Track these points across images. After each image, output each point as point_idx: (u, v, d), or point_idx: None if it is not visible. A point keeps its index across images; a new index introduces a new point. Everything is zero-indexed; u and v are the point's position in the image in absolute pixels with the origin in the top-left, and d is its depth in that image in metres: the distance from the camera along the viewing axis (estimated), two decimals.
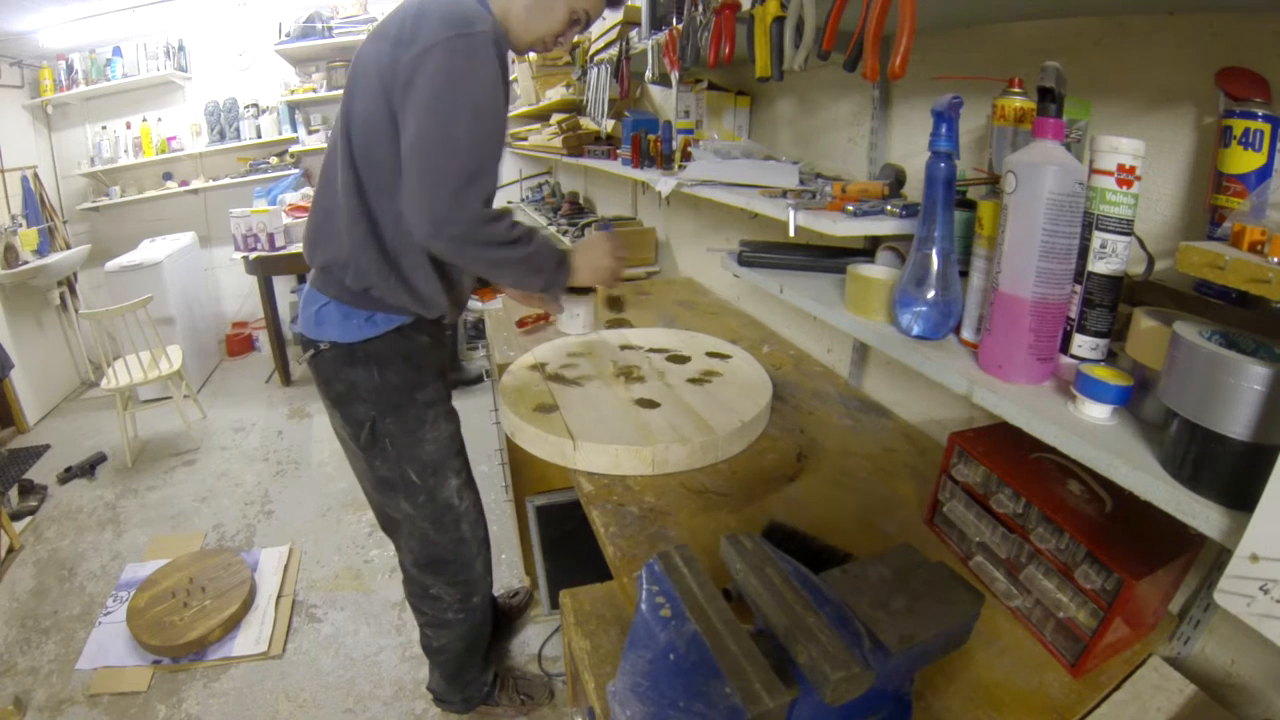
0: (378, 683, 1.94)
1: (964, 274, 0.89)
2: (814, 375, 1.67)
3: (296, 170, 4.82)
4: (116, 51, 4.37)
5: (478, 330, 4.23)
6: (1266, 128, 0.70)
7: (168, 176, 4.76)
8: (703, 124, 1.94)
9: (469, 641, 1.66)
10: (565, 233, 3.54)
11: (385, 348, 1.31)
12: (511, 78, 4.24)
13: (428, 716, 1.82)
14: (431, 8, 1.10)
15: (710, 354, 1.62)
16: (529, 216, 4.75)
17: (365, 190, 1.20)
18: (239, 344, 4.89)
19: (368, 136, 1.17)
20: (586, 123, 2.91)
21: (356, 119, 1.17)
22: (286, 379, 4.22)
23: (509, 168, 5.09)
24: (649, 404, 1.35)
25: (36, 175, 4.24)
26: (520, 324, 1.95)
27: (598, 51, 2.44)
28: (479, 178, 1.10)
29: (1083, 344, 0.76)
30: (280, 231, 3.96)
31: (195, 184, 4.70)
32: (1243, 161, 0.71)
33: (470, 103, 1.07)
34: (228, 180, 4.74)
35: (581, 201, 4.12)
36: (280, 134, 4.73)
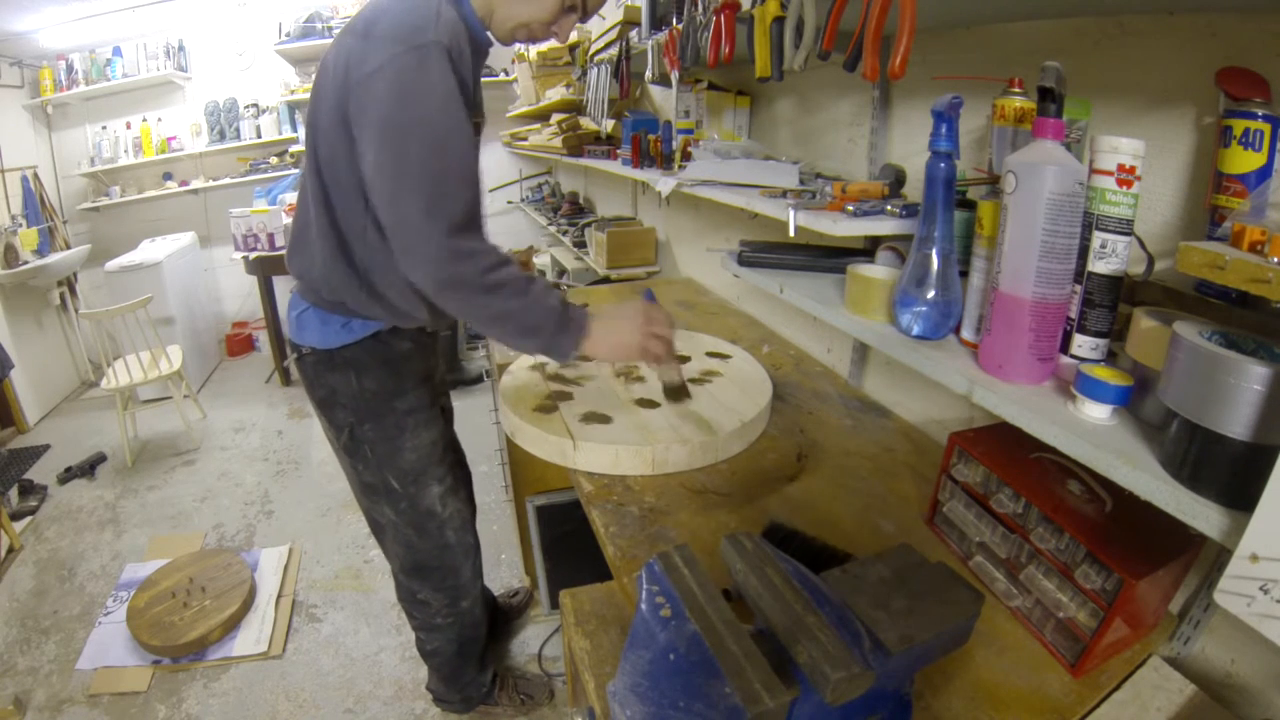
0: (378, 683, 1.94)
1: (964, 274, 0.89)
2: (814, 375, 1.67)
3: (296, 170, 4.81)
4: (116, 51, 4.37)
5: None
6: (1266, 128, 0.70)
7: (168, 176, 4.76)
8: (703, 124, 1.94)
9: (460, 645, 1.65)
10: (565, 233, 3.54)
11: (363, 354, 1.28)
12: (511, 78, 4.25)
13: (428, 716, 1.82)
14: (386, 10, 1.02)
15: (710, 354, 1.61)
16: (529, 217, 4.76)
17: (333, 205, 1.14)
18: (239, 344, 4.89)
19: (330, 148, 1.10)
20: (586, 123, 2.91)
21: (320, 129, 1.10)
22: (286, 379, 4.22)
23: (509, 167, 5.09)
24: (649, 404, 1.35)
25: (36, 175, 4.24)
26: None
27: (598, 51, 2.44)
28: (441, 202, 0.99)
29: (1083, 344, 0.76)
30: (280, 231, 3.96)
31: (195, 184, 4.69)
32: (1243, 161, 0.71)
33: (421, 122, 0.98)
34: (228, 180, 4.74)
35: (581, 201, 4.13)
36: (280, 134, 4.73)
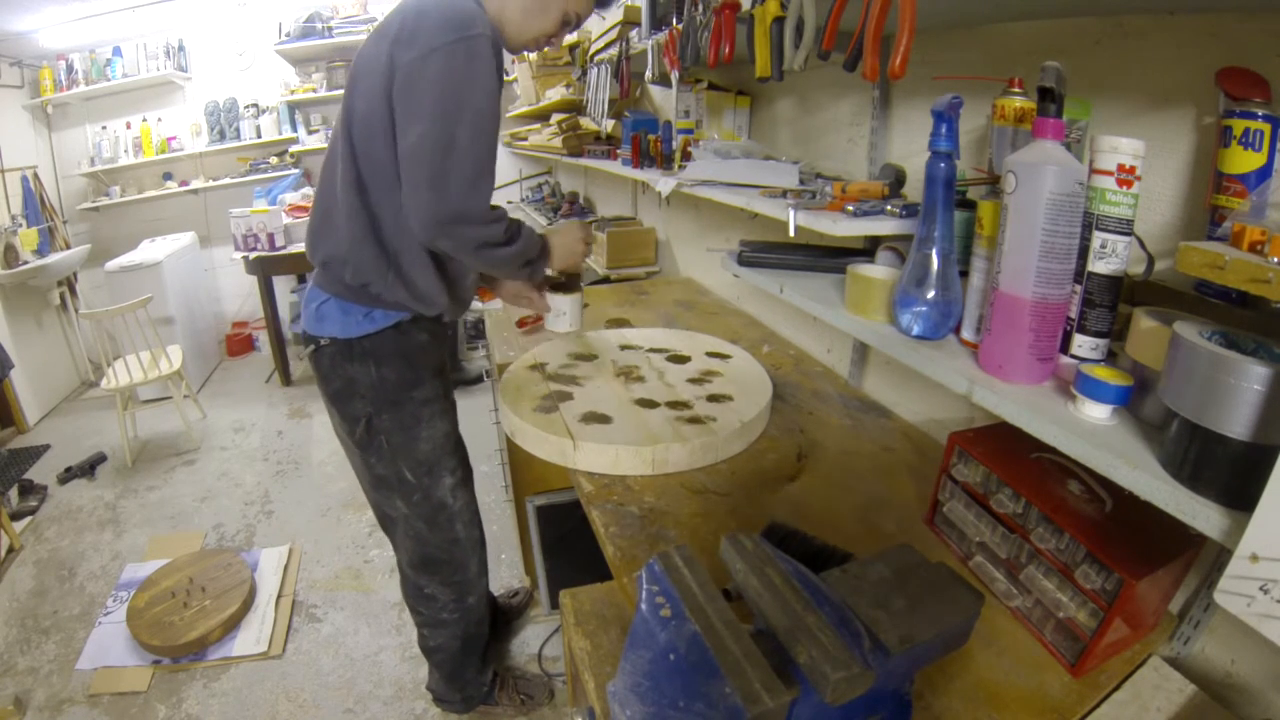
0: (378, 683, 1.94)
1: (964, 274, 0.89)
2: (814, 375, 1.67)
3: (296, 170, 4.82)
4: (116, 51, 4.37)
5: (478, 330, 4.23)
6: (1266, 128, 0.70)
7: (168, 176, 4.76)
8: (703, 124, 1.94)
9: (464, 641, 1.66)
10: None
11: (383, 344, 1.32)
12: (511, 78, 4.25)
13: (428, 716, 1.82)
14: (431, 8, 1.11)
15: (710, 354, 1.62)
16: (529, 217, 4.76)
17: (366, 187, 1.21)
18: (239, 344, 4.89)
19: (368, 134, 1.18)
20: (586, 123, 2.91)
21: (357, 117, 1.19)
22: (286, 379, 4.22)
23: (509, 167, 5.10)
24: (649, 404, 1.35)
25: (36, 175, 4.24)
26: (520, 324, 1.95)
27: (598, 51, 2.44)
28: (481, 179, 1.14)
29: (1083, 344, 0.76)
30: (280, 231, 3.95)
31: (195, 184, 4.69)
32: (1243, 161, 0.71)
33: (471, 107, 1.10)
34: (228, 180, 4.74)
35: (582, 201, 4.12)
36: (280, 134, 4.73)
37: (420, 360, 1.37)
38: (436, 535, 1.49)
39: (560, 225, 1.44)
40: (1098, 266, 0.73)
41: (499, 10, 1.23)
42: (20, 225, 3.93)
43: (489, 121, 1.13)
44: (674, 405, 1.35)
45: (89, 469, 3.20)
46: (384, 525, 1.59)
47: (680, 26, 1.52)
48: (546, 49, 1.34)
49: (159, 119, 4.60)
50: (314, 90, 4.64)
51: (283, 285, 4.47)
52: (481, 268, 1.32)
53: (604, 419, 1.29)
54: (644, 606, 0.70)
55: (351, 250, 1.24)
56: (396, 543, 1.56)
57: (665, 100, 2.35)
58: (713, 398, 1.39)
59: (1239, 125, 0.71)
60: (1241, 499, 0.54)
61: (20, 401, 3.73)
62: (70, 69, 4.33)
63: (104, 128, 4.54)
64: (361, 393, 1.34)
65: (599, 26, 2.39)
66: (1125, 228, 0.71)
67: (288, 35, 4.45)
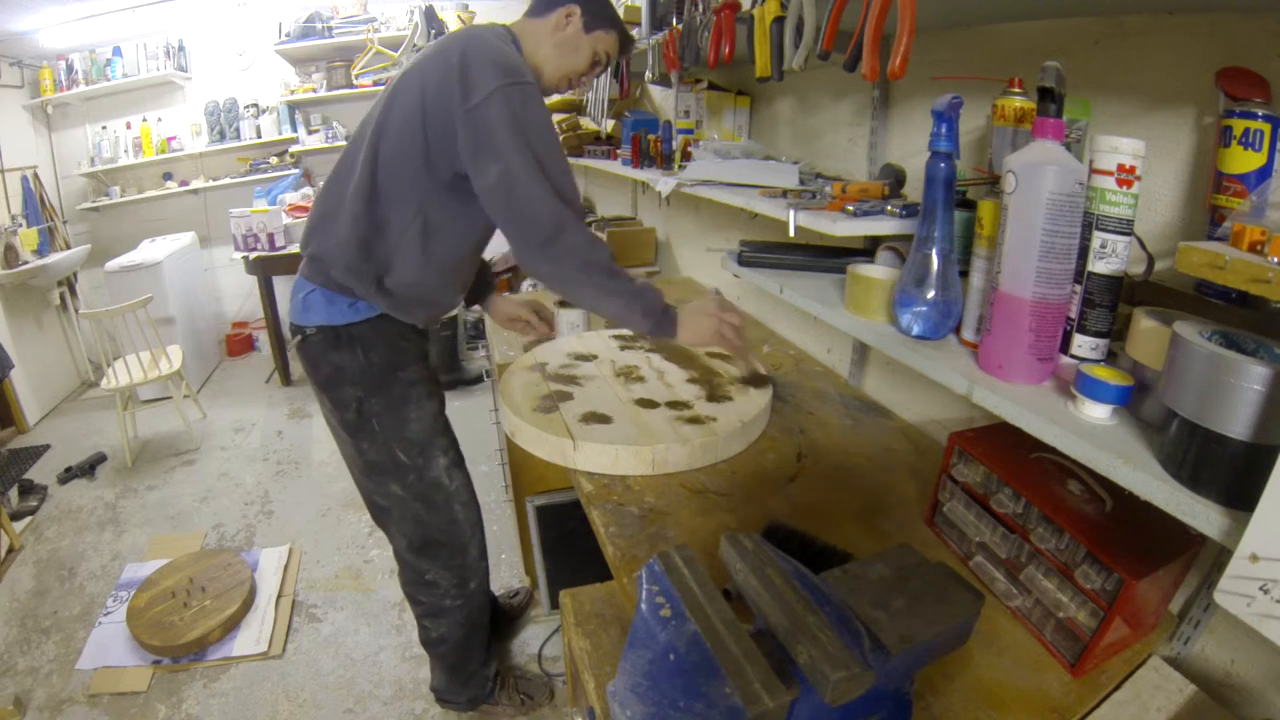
0: (378, 683, 1.94)
1: (964, 274, 0.89)
2: (814, 375, 1.67)
3: (296, 170, 4.81)
4: (116, 51, 4.37)
5: (478, 330, 4.23)
6: (1266, 128, 0.70)
7: (168, 176, 4.75)
8: (703, 124, 1.94)
9: (468, 630, 1.65)
10: None
11: (369, 331, 1.35)
12: None
13: (428, 716, 1.82)
14: (478, 50, 1.17)
15: (710, 354, 1.61)
16: None
17: (377, 197, 1.24)
18: (239, 344, 4.89)
19: (399, 151, 1.22)
20: (586, 123, 2.91)
21: (390, 129, 1.22)
22: (286, 379, 4.21)
23: None
24: (649, 404, 1.35)
25: (36, 175, 4.23)
26: None
27: None
28: (566, 196, 1.19)
29: (1083, 344, 0.76)
30: (280, 231, 3.95)
31: (195, 184, 4.69)
32: (1243, 161, 0.71)
33: (537, 137, 1.17)
34: (228, 180, 4.73)
35: (581, 202, 4.12)
36: (280, 134, 4.72)
37: (404, 344, 1.40)
38: (434, 516, 1.49)
39: (696, 301, 1.38)
40: (1098, 266, 0.73)
41: (533, 52, 1.29)
42: (20, 225, 3.92)
43: (558, 149, 1.22)
44: (674, 405, 1.35)
45: (89, 469, 3.20)
46: (376, 517, 1.58)
47: (680, 26, 1.52)
48: (578, 88, 1.39)
49: (159, 119, 4.60)
50: (314, 90, 4.64)
51: (283, 285, 4.46)
52: (590, 297, 1.26)
53: (604, 419, 1.29)
54: (644, 606, 0.70)
55: (343, 254, 1.27)
56: (392, 531, 1.55)
57: (665, 100, 2.35)
58: (713, 397, 1.39)
59: (1239, 125, 0.71)
60: (1241, 499, 0.54)
61: (20, 401, 3.73)
62: (70, 69, 4.32)
63: (104, 128, 4.53)
64: (350, 378, 1.36)
65: None
66: (1125, 228, 0.71)
67: (288, 35, 4.44)
